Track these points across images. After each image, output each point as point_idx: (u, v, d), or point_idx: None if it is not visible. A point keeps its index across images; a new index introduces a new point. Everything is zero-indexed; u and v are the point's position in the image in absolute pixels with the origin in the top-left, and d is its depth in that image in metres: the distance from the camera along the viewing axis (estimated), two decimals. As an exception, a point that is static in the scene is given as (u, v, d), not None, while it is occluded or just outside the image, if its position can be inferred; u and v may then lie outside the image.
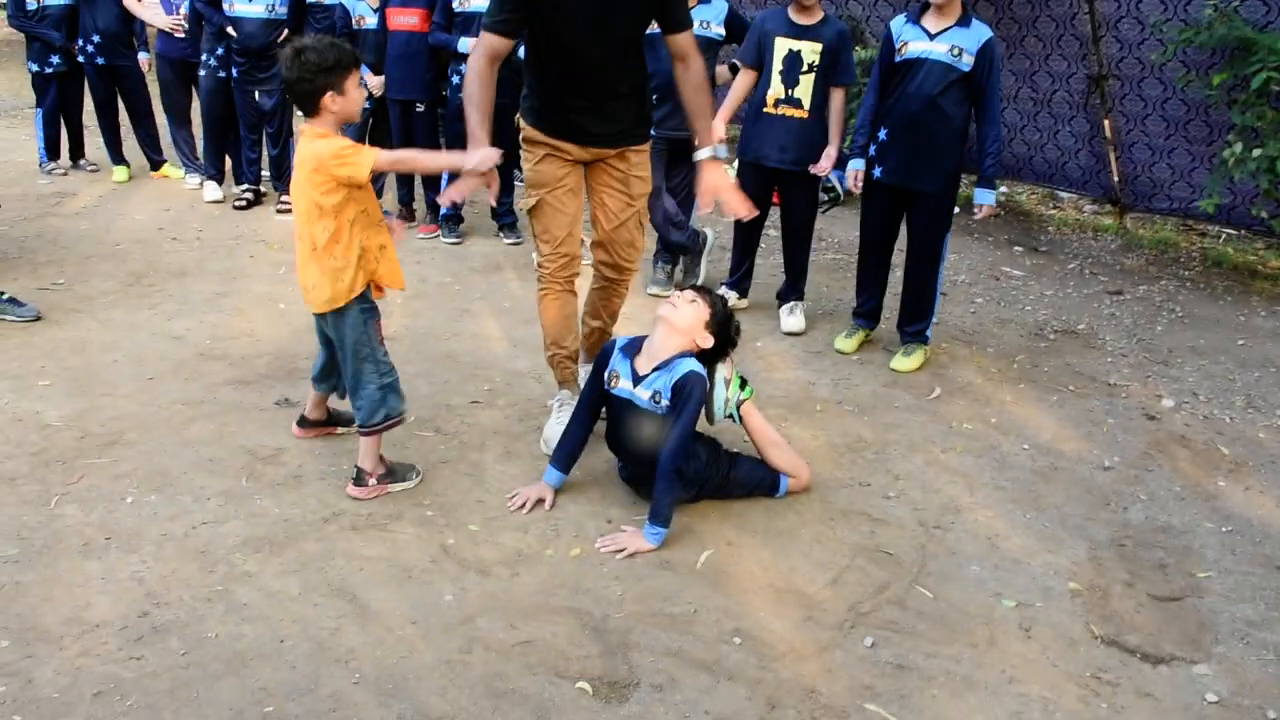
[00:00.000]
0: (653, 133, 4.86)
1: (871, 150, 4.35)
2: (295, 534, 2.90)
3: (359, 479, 3.12)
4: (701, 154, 3.27)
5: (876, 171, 4.35)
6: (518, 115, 3.39)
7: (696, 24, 4.87)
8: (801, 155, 4.65)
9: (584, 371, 3.79)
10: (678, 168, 5.14)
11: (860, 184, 4.44)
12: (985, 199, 4.26)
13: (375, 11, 6.02)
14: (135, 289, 4.95)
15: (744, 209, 3.22)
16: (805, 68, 4.55)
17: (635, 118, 3.37)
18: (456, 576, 2.74)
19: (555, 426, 3.46)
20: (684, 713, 2.28)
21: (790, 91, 4.59)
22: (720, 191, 3.23)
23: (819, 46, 4.51)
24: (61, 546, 2.78)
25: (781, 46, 4.57)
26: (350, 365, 3.06)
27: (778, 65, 4.59)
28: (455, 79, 5.76)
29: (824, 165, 4.63)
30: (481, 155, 2.97)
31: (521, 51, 3.31)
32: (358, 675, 2.35)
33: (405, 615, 2.56)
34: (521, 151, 3.39)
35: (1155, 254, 6.56)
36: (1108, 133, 6.51)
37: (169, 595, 2.59)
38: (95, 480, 3.14)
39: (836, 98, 4.61)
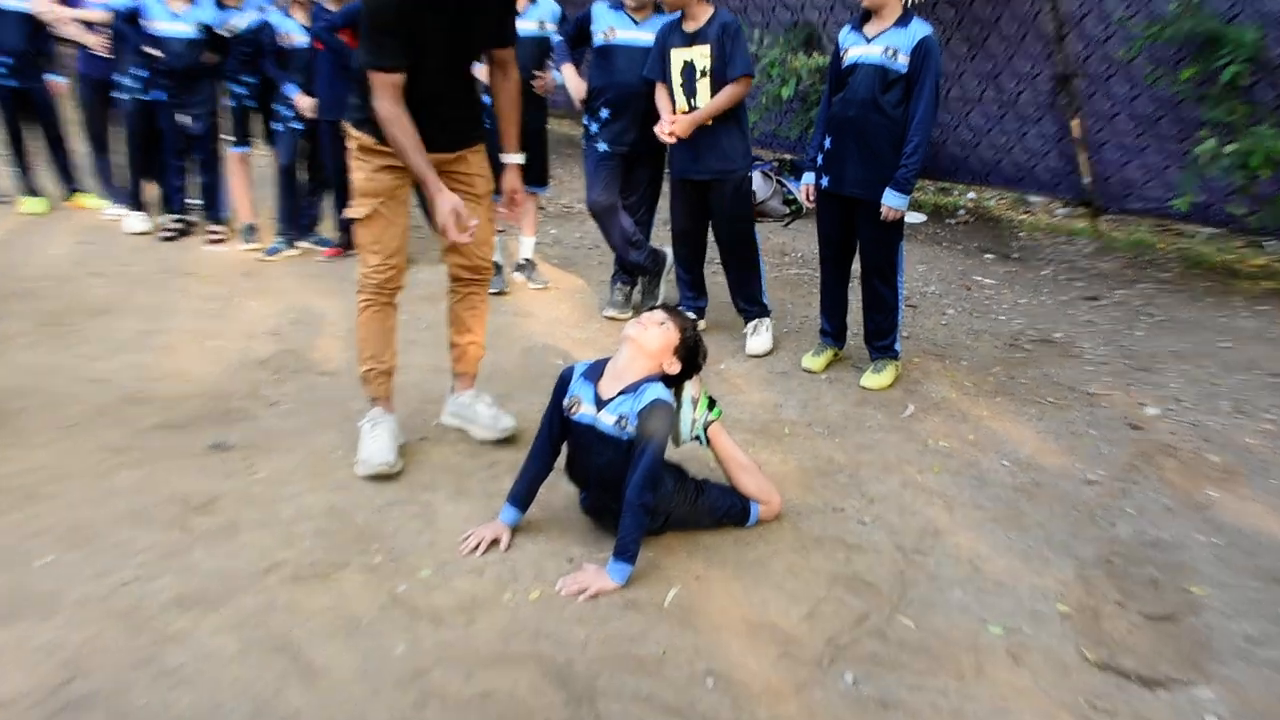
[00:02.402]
0: (606, 148, 4.96)
1: (820, 160, 4.40)
2: (232, 588, 2.83)
3: None
4: (508, 159, 3.65)
5: (824, 181, 4.39)
6: (344, 124, 3.50)
7: (535, 25, 5.19)
8: (713, 164, 4.69)
9: (463, 399, 3.83)
10: (634, 184, 5.15)
11: (813, 198, 4.49)
12: (891, 201, 4.16)
13: (305, 30, 5.98)
14: (52, 329, 4.85)
15: (514, 217, 3.75)
16: (700, 73, 4.59)
17: (471, 121, 3.53)
18: (408, 626, 2.69)
19: (371, 446, 3.51)
20: (656, 763, 2.24)
21: (691, 101, 4.64)
22: (515, 193, 3.68)
23: (707, 49, 4.54)
24: (-28, 613, 2.69)
25: (676, 59, 4.63)
26: None
27: (677, 80, 4.65)
28: None
29: (661, 125, 4.66)
30: (448, 209, 3.28)
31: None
32: (302, 739, 2.28)
33: (353, 670, 2.51)
34: (353, 160, 3.46)
35: (1131, 256, 6.67)
36: (1076, 133, 6.62)
37: (90, 663, 2.51)
38: (6, 540, 3.04)
39: (730, 88, 4.55)
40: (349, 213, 3.49)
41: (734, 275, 4.98)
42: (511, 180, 3.67)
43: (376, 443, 3.51)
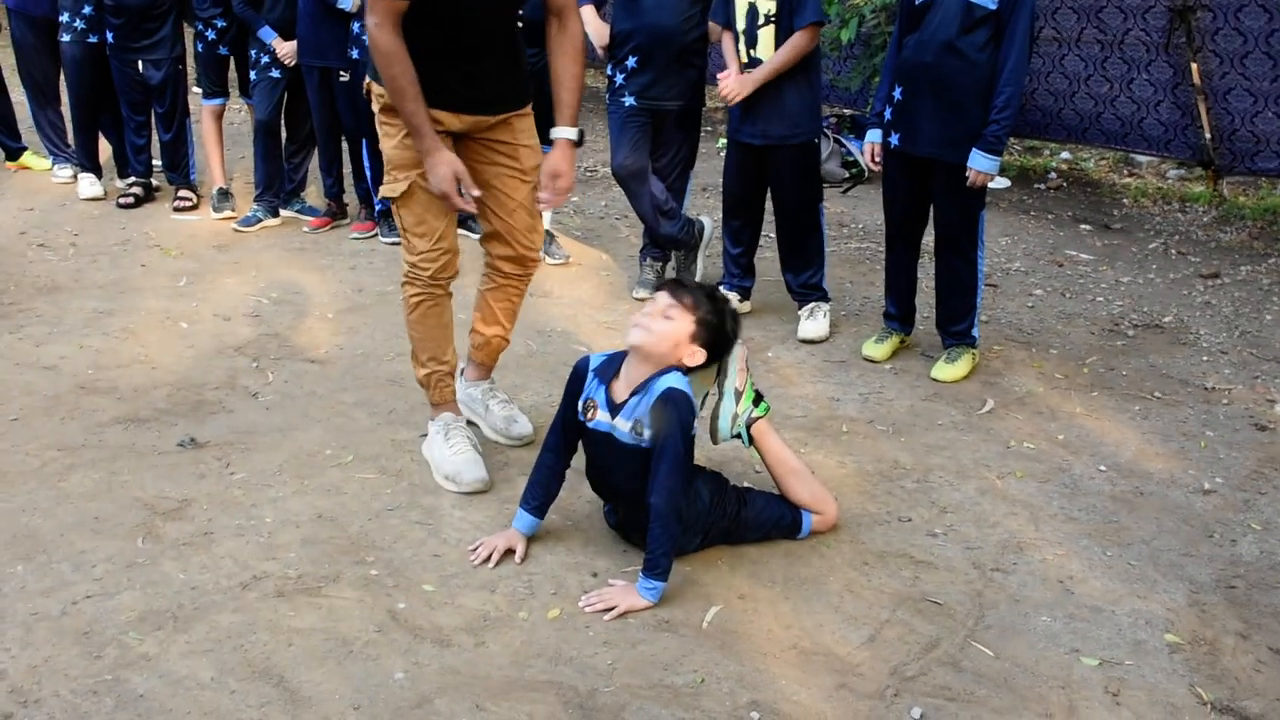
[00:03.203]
0: (633, 102, 5.00)
1: (888, 114, 4.40)
2: (206, 604, 2.90)
3: None
4: (560, 133, 3.43)
5: (893, 139, 4.39)
6: (367, 81, 3.44)
7: None
8: (773, 127, 4.70)
9: (474, 391, 3.86)
10: (666, 144, 5.18)
11: (879, 159, 4.50)
12: (978, 164, 4.15)
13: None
14: (-4, 310, 4.96)
15: (553, 205, 3.56)
16: (762, 20, 4.60)
17: (515, 78, 3.45)
18: (409, 649, 2.75)
19: (455, 460, 3.49)
20: (693, 807, 2.30)
21: (750, 52, 4.66)
22: (558, 177, 3.44)
23: None
24: (-94, 634, 2.77)
25: (741, 2, 4.64)
26: None
27: (740, 25, 4.67)
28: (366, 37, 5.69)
29: (723, 86, 4.66)
30: (444, 171, 3.19)
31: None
32: (288, 775, 2.35)
33: (346, 699, 2.57)
34: (381, 126, 3.41)
35: (1261, 226, 6.62)
36: (1196, 78, 6.55)
37: (40, 690, 2.56)
38: (-52, 549, 3.13)
39: (794, 38, 4.55)
40: (384, 191, 3.43)
41: (790, 255, 5.00)
42: (560, 160, 3.44)
43: (462, 456, 3.51)
